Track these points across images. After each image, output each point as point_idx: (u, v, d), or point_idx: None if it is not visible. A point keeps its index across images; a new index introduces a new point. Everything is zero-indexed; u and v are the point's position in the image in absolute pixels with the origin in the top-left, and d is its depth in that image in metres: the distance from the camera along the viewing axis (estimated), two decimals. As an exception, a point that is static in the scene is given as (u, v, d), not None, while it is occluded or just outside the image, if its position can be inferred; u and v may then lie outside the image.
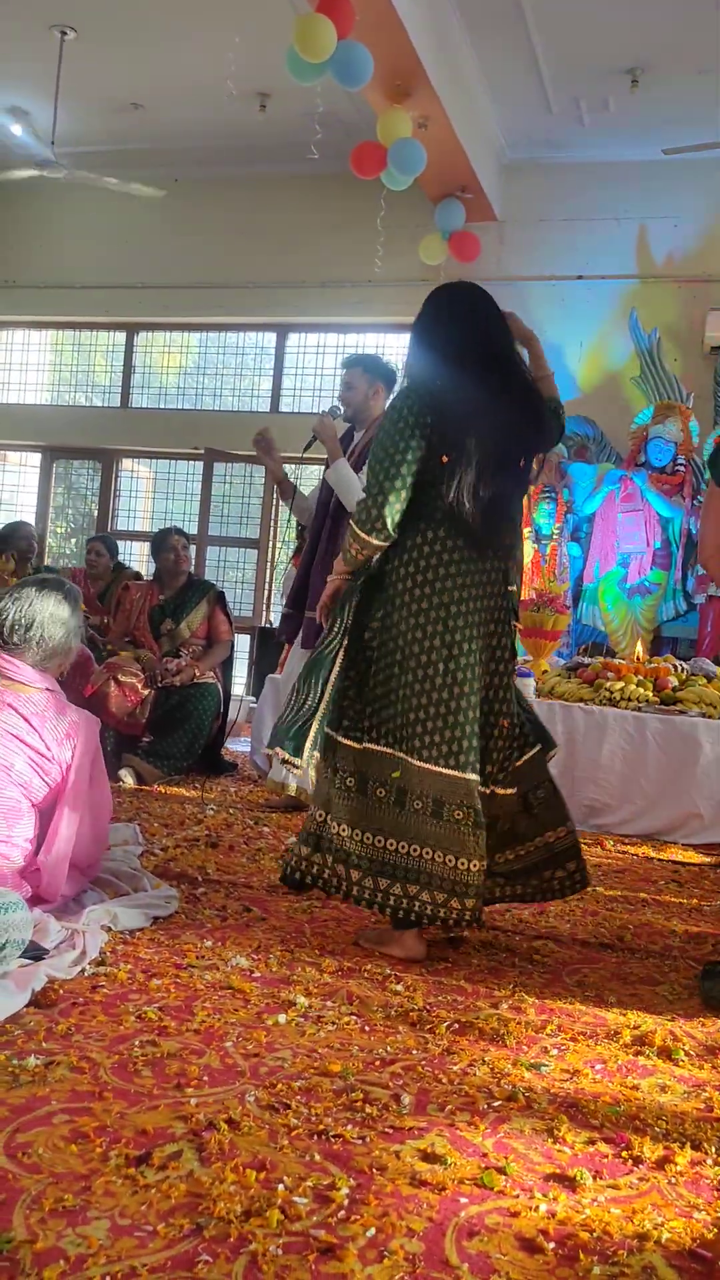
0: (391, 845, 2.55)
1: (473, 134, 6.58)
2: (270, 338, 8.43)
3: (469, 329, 2.65)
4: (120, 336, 8.86)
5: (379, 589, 2.63)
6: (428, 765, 2.53)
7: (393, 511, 2.53)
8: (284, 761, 2.62)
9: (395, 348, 7.94)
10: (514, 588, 2.65)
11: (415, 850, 2.52)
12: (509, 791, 2.65)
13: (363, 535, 2.56)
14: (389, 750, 2.58)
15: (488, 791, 2.61)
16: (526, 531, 6.53)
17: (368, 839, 2.57)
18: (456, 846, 2.49)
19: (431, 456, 2.53)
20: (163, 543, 5.44)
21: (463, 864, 2.49)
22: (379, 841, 2.56)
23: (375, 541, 2.56)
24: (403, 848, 2.54)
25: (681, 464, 6.33)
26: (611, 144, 7.00)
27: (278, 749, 2.63)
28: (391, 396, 2.52)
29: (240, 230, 7.98)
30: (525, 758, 2.69)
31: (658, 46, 5.94)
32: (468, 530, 2.54)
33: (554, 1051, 2.04)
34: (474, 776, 2.54)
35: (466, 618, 2.55)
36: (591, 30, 5.84)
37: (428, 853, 2.51)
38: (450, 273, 7.18)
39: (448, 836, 2.50)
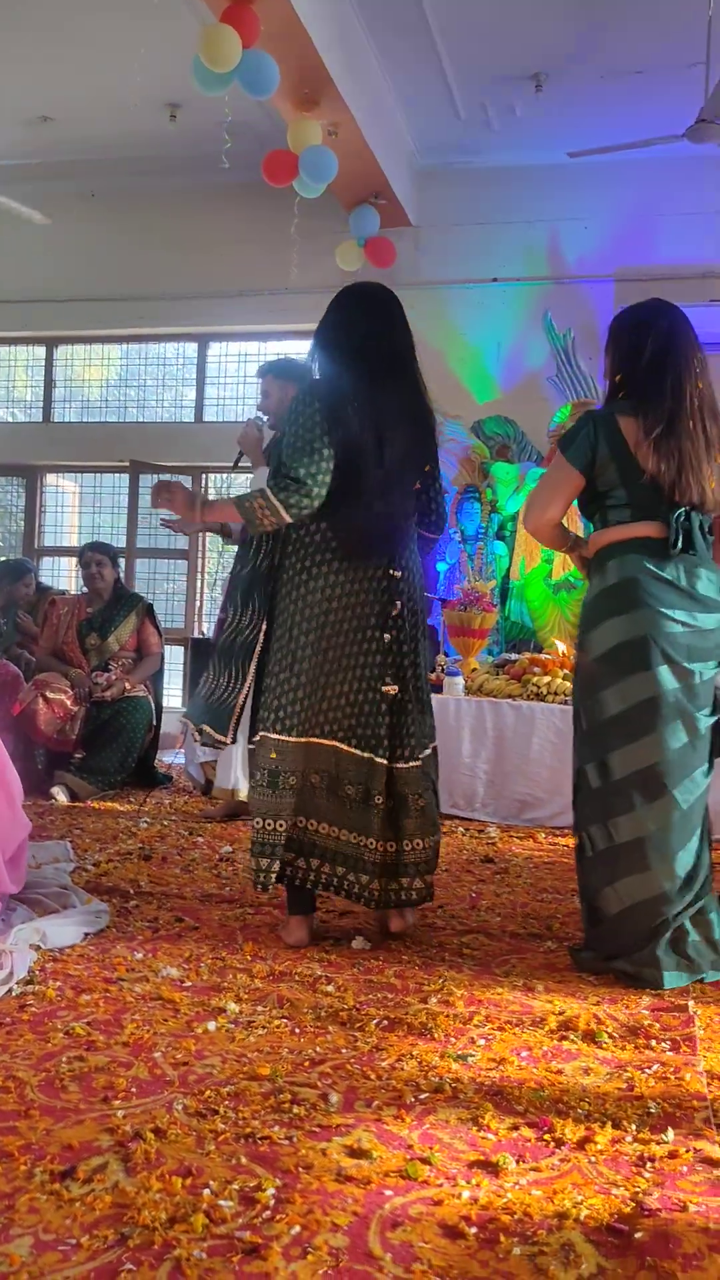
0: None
1: (383, 141, 6.63)
2: (192, 348, 8.42)
3: (366, 328, 2.74)
4: (40, 350, 8.78)
5: (279, 582, 2.76)
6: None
7: (317, 488, 2.61)
8: (210, 741, 2.79)
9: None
10: (399, 572, 2.71)
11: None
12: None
13: (280, 508, 2.60)
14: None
15: (384, 764, 2.67)
16: (453, 532, 6.60)
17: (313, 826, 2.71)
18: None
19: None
20: (81, 558, 5.45)
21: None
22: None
23: (289, 517, 2.62)
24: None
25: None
26: (520, 148, 7.11)
27: (204, 726, 2.77)
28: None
29: (157, 241, 7.94)
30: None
31: (560, 53, 6.04)
32: (354, 524, 2.66)
33: (481, 1042, 2.08)
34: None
35: (352, 623, 2.67)
36: (495, 38, 5.93)
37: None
38: (367, 278, 7.22)
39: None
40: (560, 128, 6.70)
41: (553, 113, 6.59)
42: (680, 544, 2.51)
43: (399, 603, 2.70)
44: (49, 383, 8.72)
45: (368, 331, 2.74)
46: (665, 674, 2.48)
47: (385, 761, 2.66)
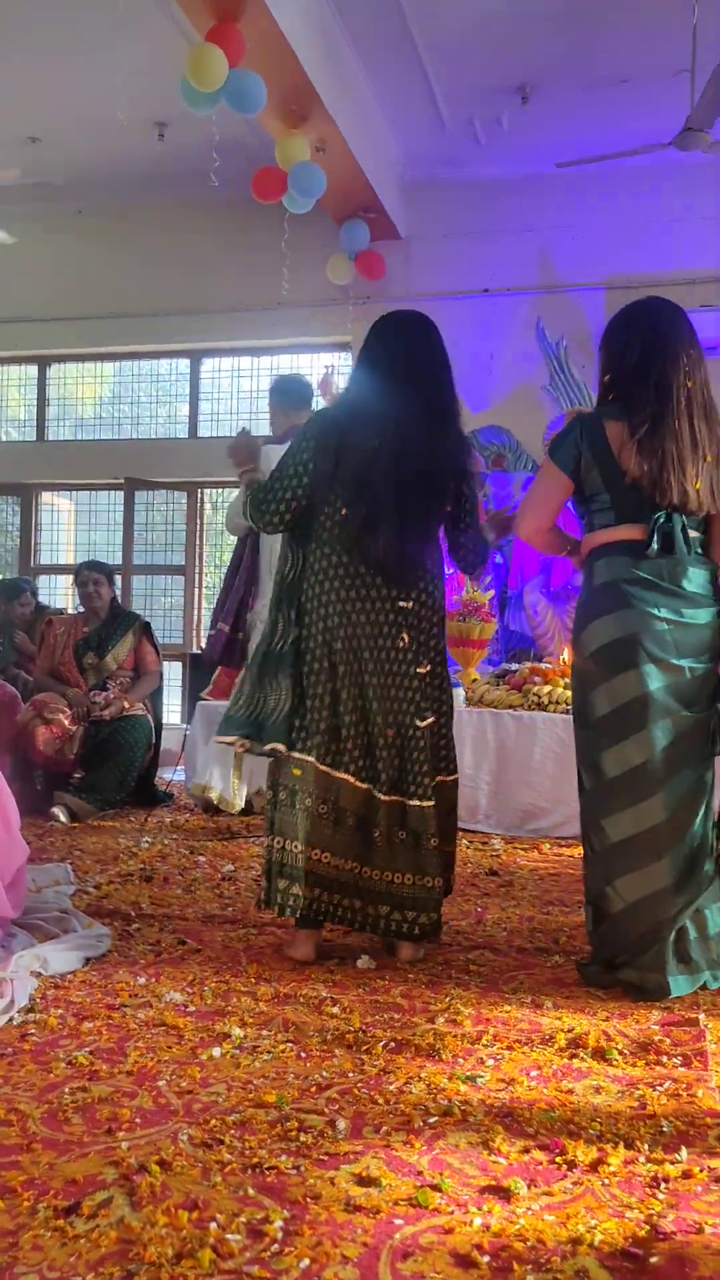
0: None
1: (371, 155, 6.65)
2: (185, 364, 8.42)
3: (392, 352, 2.75)
4: (33, 369, 8.78)
5: (303, 599, 2.76)
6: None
7: (283, 508, 2.73)
8: (269, 753, 2.73)
9: (308, 368, 7.98)
10: (408, 603, 2.69)
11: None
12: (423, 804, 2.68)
13: (250, 509, 2.78)
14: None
15: (365, 787, 2.67)
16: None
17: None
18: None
19: (328, 480, 2.67)
20: (77, 577, 5.43)
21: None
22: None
23: (247, 520, 2.81)
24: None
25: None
26: (508, 160, 7.12)
27: (273, 745, 2.71)
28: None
29: (148, 259, 7.96)
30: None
31: (545, 64, 6.06)
32: (362, 553, 2.66)
33: (490, 1062, 2.05)
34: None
35: (350, 629, 2.66)
36: (480, 51, 5.94)
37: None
38: (358, 292, 7.25)
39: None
40: (547, 138, 6.71)
41: (539, 124, 6.60)
42: (659, 547, 2.49)
43: (406, 635, 2.68)
44: (42, 401, 8.72)
45: (393, 362, 2.74)
46: (652, 673, 2.47)
47: (384, 796, 2.66)
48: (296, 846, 2.65)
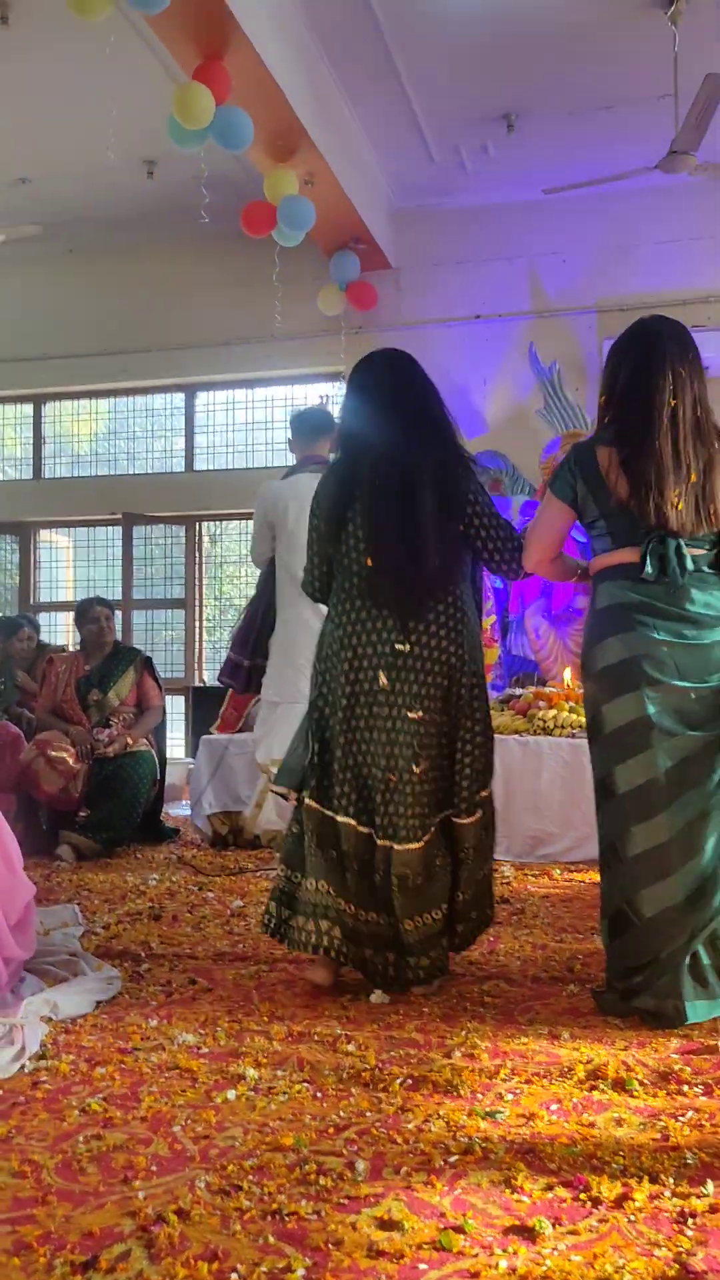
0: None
1: (359, 187, 6.71)
2: (179, 398, 8.46)
3: (372, 399, 2.77)
4: (28, 408, 8.82)
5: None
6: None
7: (310, 578, 2.87)
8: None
9: (302, 399, 8.02)
10: (404, 647, 2.65)
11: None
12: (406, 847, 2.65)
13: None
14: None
15: (366, 831, 2.67)
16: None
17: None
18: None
19: (337, 534, 2.75)
20: (86, 613, 5.38)
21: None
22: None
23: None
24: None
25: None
26: (495, 187, 7.19)
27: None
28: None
29: (140, 295, 8.02)
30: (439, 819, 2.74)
31: (529, 92, 6.13)
32: (361, 592, 2.68)
33: (509, 1096, 2.02)
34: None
35: (352, 674, 2.68)
36: (464, 81, 6.01)
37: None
38: (350, 322, 7.29)
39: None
40: (534, 165, 6.78)
41: (526, 151, 6.67)
42: (653, 570, 2.48)
43: (384, 677, 2.65)
44: (38, 439, 8.76)
45: (373, 408, 2.76)
46: (650, 696, 2.46)
47: (381, 840, 2.66)
48: (311, 883, 2.66)
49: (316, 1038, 2.36)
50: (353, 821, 2.67)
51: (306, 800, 2.71)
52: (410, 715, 2.66)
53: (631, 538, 2.53)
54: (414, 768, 2.66)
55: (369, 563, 2.67)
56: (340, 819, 2.67)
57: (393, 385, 2.78)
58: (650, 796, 2.45)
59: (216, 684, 7.74)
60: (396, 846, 2.63)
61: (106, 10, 4.34)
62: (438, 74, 5.96)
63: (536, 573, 2.79)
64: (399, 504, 2.67)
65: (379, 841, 2.66)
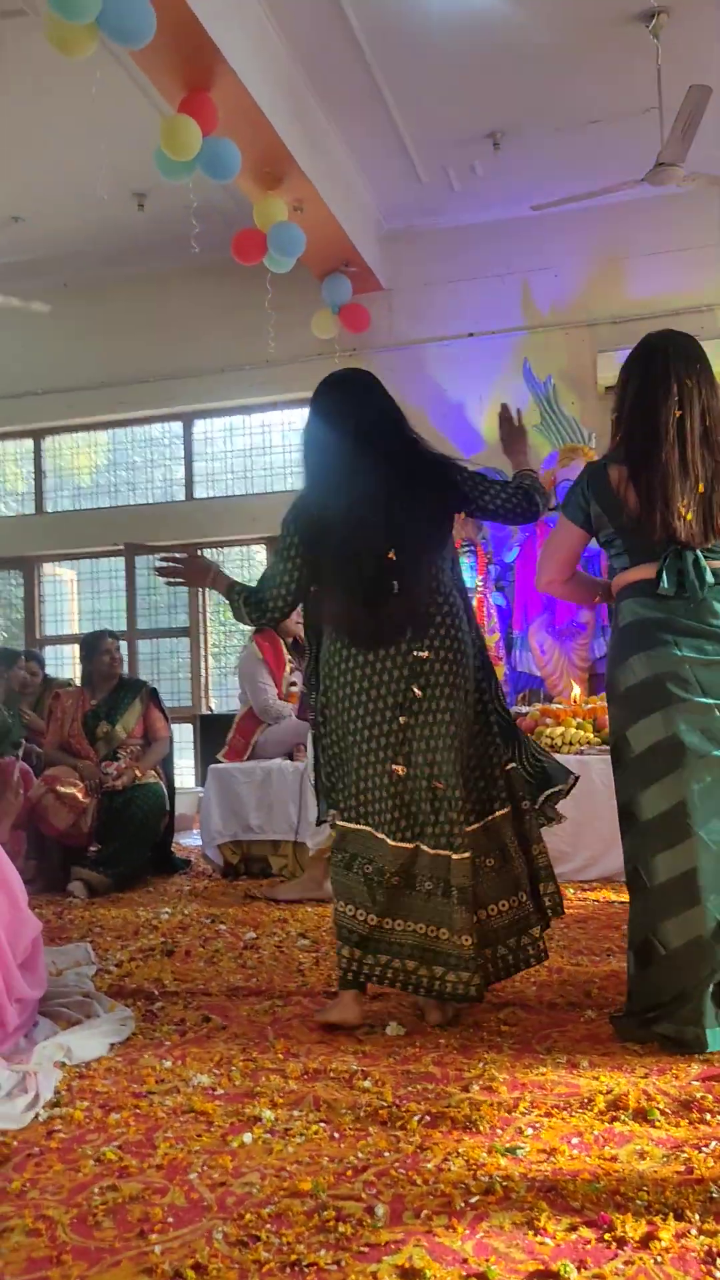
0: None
1: (348, 211, 6.73)
2: (177, 427, 8.48)
3: (343, 426, 2.75)
4: (28, 443, 8.85)
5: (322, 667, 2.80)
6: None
7: (277, 604, 2.77)
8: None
9: (298, 424, 8.02)
10: (425, 653, 2.65)
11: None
12: (461, 856, 2.62)
13: (244, 614, 2.81)
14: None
15: (411, 848, 2.64)
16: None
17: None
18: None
19: (310, 573, 2.75)
20: (96, 645, 5.37)
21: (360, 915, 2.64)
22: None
23: (247, 623, 2.88)
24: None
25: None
26: (484, 206, 7.21)
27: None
28: None
29: (134, 327, 8.05)
30: (481, 824, 2.70)
31: (513, 110, 6.15)
32: (354, 635, 2.68)
33: (529, 1131, 1.99)
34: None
35: (368, 706, 2.66)
36: (448, 101, 6.04)
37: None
38: (345, 344, 7.30)
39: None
40: (522, 182, 6.80)
41: (513, 168, 6.69)
42: (670, 585, 2.46)
43: (415, 687, 2.64)
44: (39, 473, 8.78)
45: (340, 426, 2.74)
46: (677, 714, 2.43)
47: (398, 844, 2.63)
48: (350, 910, 2.66)
49: (332, 1074, 2.33)
50: (374, 830, 2.67)
51: (343, 822, 2.72)
52: (445, 719, 2.65)
53: (648, 553, 2.51)
54: (457, 771, 2.65)
55: (363, 606, 2.66)
56: (365, 828, 2.68)
57: (364, 406, 2.77)
58: (678, 821, 2.40)
59: (223, 711, 7.75)
60: (455, 856, 2.61)
61: (90, 47, 4.37)
62: (422, 95, 5.99)
63: (549, 593, 2.79)
64: (417, 527, 2.69)
65: (432, 852, 2.63)
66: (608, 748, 4.66)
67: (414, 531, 2.69)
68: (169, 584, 2.99)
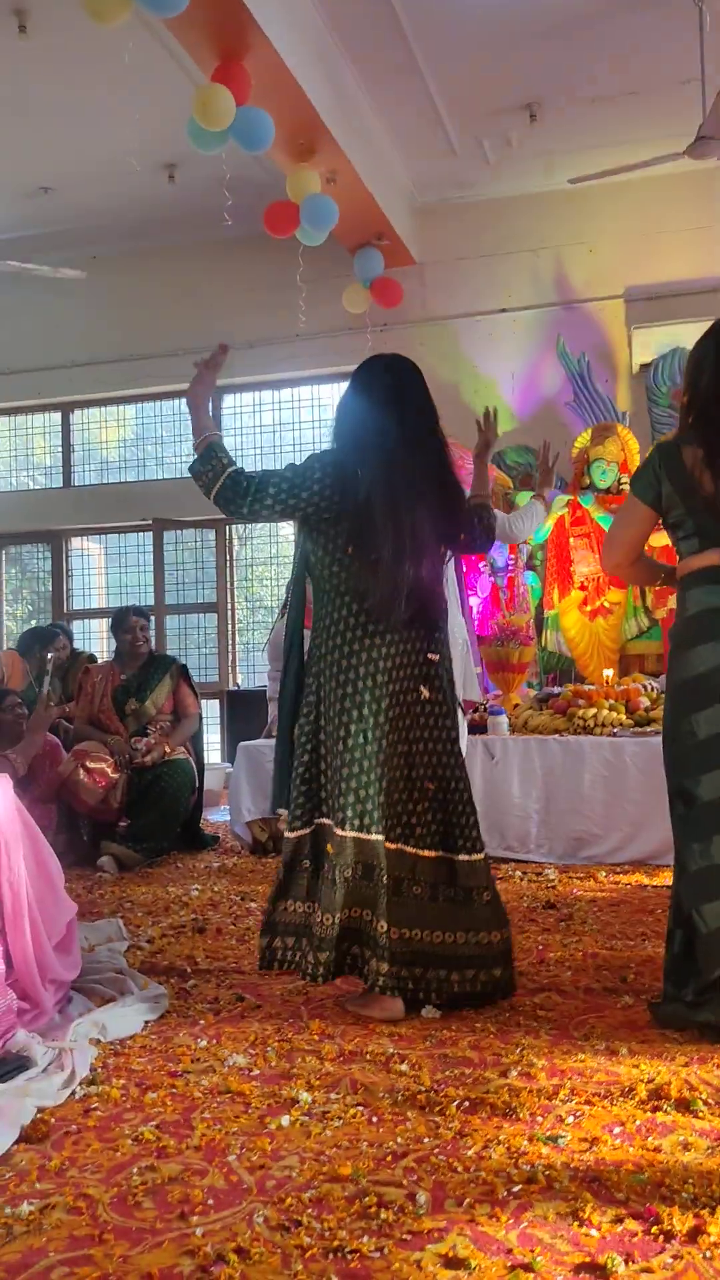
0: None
1: (381, 183, 6.64)
2: (206, 401, 8.43)
3: (391, 412, 2.69)
4: (56, 416, 8.84)
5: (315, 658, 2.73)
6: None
7: (260, 508, 2.66)
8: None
9: (328, 399, 7.97)
10: (436, 655, 2.67)
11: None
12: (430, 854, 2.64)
13: (214, 491, 2.72)
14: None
15: (395, 848, 2.63)
16: (482, 566, 6.51)
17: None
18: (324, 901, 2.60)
19: (332, 533, 2.65)
20: (122, 623, 5.36)
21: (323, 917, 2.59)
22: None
23: (214, 501, 2.75)
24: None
25: (625, 483, 6.35)
26: (519, 178, 7.11)
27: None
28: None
29: (163, 300, 8.00)
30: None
31: (549, 81, 6.04)
32: (379, 607, 2.60)
33: (570, 1119, 1.97)
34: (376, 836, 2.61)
35: (374, 690, 2.61)
36: (485, 72, 5.93)
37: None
38: (375, 319, 7.23)
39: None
40: (558, 155, 6.70)
41: (549, 141, 6.59)
42: None
43: (424, 688, 2.64)
44: (67, 447, 8.77)
45: (387, 409, 2.69)
46: None
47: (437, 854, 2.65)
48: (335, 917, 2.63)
49: (369, 1057, 2.31)
50: (389, 840, 2.63)
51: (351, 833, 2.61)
52: (448, 723, 2.68)
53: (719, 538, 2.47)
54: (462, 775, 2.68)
55: (387, 581, 2.60)
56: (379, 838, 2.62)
57: (412, 399, 2.73)
58: None
59: (250, 687, 7.75)
60: (463, 858, 2.60)
61: (124, 15, 4.31)
62: (458, 66, 5.89)
63: (617, 575, 2.75)
64: (432, 524, 2.67)
65: (458, 858, 2.63)
66: (638, 728, 4.64)
67: (432, 535, 2.70)
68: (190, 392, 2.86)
